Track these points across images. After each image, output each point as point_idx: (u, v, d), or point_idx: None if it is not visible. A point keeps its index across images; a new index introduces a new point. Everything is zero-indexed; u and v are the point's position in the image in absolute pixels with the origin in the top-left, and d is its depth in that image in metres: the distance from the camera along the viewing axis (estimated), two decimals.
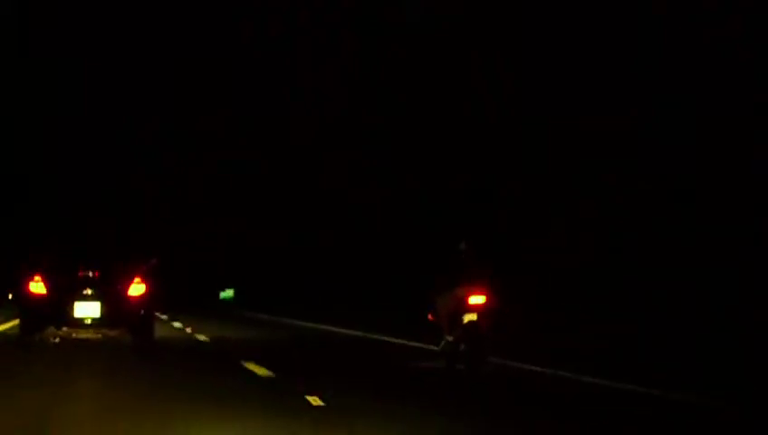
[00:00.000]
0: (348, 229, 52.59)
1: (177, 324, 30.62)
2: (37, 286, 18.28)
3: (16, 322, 21.06)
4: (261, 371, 14.31)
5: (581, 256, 33.64)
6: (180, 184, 57.00)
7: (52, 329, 18.91)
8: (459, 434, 9.87)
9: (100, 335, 19.19)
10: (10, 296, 63.81)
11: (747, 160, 28.76)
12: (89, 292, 18.36)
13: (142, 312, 18.46)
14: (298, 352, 19.97)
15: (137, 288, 18.47)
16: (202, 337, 22.16)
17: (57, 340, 19.26)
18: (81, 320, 18.34)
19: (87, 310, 18.31)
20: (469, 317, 15.75)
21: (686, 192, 30.27)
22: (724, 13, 29.18)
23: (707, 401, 12.29)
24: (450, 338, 16.10)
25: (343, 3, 43.35)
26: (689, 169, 30.14)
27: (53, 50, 47.07)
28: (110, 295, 18.32)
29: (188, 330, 26.46)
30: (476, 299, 15.81)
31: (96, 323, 18.37)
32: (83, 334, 19.11)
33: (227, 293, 78.89)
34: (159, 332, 21.57)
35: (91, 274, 18.53)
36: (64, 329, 18.87)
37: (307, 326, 32.28)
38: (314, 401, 11.18)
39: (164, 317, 36.02)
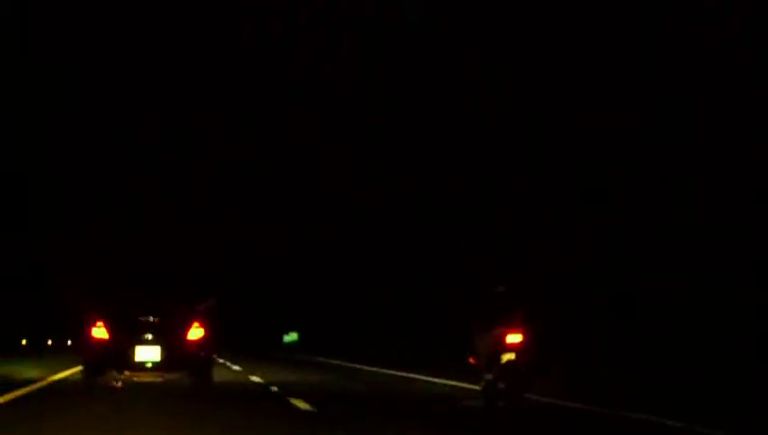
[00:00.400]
0: (348, 229, 52.62)
1: (255, 378, 24.52)
2: (100, 332, 19.00)
3: (77, 368, 21.59)
4: None
5: (581, 256, 33.69)
6: (180, 184, 57.04)
7: (113, 373, 19.54)
8: None
9: (160, 379, 19.76)
10: (69, 343, 64.12)
11: (747, 160, 28.78)
12: (149, 336, 18.99)
13: (202, 355, 19.08)
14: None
15: (195, 332, 19.08)
16: (301, 403, 16.92)
17: (119, 383, 19.83)
18: (142, 364, 18.99)
19: (147, 354, 18.97)
20: (507, 356, 16.51)
21: (686, 192, 30.29)
22: (725, 13, 29.19)
23: None
24: (489, 377, 16.82)
25: (343, 3, 43.38)
26: (689, 170, 30.17)
27: (53, 50, 47.10)
28: (170, 339, 18.96)
29: (274, 389, 21.51)
30: (513, 338, 16.54)
31: (156, 366, 19.01)
32: (144, 378, 19.76)
33: (291, 336, 76.56)
34: (239, 392, 21.02)
35: (150, 318, 19.15)
36: (126, 373, 19.53)
37: (365, 370, 31.85)
38: None
39: (236, 368, 30.39)
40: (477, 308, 17.56)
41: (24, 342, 59.01)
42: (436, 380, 23.38)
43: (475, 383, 17.54)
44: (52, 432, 12.18)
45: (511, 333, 16.48)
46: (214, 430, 12.73)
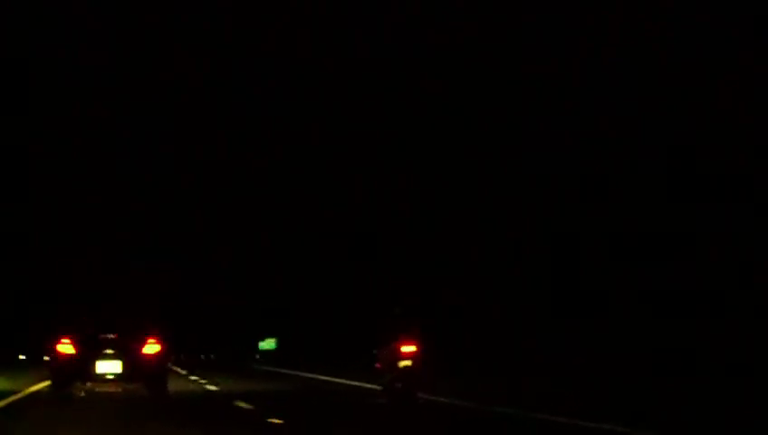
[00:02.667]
0: (348, 230, 52.72)
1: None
2: (66, 347, 21.23)
3: (46, 383, 23.83)
4: None
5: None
6: (178, 184, 57.12)
7: (78, 384, 21.91)
8: None
9: (120, 389, 22.36)
10: (46, 358, 64.36)
11: (748, 160, 28.75)
12: (110, 351, 21.26)
13: (157, 367, 21.35)
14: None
15: (151, 348, 21.33)
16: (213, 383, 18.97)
17: (83, 393, 22.06)
18: (104, 375, 21.33)
19: (109, 367, 21.27)
20: (404, 363, 20.48)
21: (686, 192, 30.28)
22: (725, 13, 29.16)
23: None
24: (389, 378, 20.80)
25: (343, 3, 43.41)
26: (689, 169, 30.15)
27: (54, 50, 47.11)
28: (129, 354, 21.23)
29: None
30: (408, 349, 20.58)
31: (116, 378, 21.35)
32: (106, 388, 22.36)
33: (269, 343, 72.99)
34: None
35: (111, 336, 21.40)
36: (89, 384, 21.96)
37: (304, 376, 34.88)
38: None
39: (242, 404, 21.37)
40: (381, 325, 21.62)
41: None
42: (365, 384, 26.68)
43: (379, 385, 21.72)
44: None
45: (406, 344, 20.57)
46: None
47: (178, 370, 39.59)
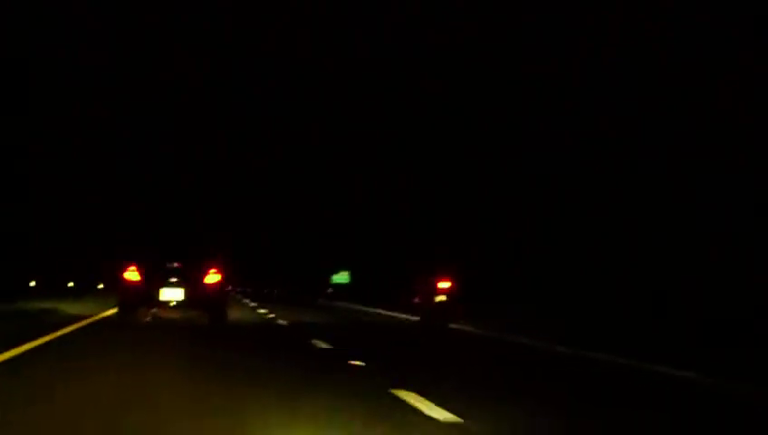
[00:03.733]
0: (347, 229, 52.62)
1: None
2: (133, 275, 22.27)
3: (111, 311, 25.35)
4: None
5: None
6: (178, 184, 56.95)
7: (143, 310, 23.35)
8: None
9: (181, 315, 23.70)
10: (99, 286, 63.92)
11: (748, 161, 28.72)
12: (173, 279, 22.36)
13: (217, 296, 22.41)
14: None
15: (213, 277, 22.37)
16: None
17: (148, 319, 23.25)
18: (167, 302, 22.48)
19: (172, 294, 22.36)
20: (439, 298, 22.83)
21: (685, 192, 30.26)
22: (725, 13, 29.13)
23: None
24: (426, 311, 23.21)
25: (343, 4, 43.37)
26: (689, 169, 30.13)
27: (55, 49, 47.06)
28: (191, 283, 22.29)
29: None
30: (444, 284, 22.91)
31: (179, 305, 22.46)
32: (169, 314, 23.88)
33: (342, 276, 69.60)
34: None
35: (175, 264, 22.52)
36: (154, 310, 23.54)
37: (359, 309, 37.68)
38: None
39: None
40: (421, 263, 24.13)
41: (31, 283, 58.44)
42: (403, 315, 28.70)
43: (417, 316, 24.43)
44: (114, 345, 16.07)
45: (442, 280, 22.83)
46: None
47: (243, 300, 42.21)
